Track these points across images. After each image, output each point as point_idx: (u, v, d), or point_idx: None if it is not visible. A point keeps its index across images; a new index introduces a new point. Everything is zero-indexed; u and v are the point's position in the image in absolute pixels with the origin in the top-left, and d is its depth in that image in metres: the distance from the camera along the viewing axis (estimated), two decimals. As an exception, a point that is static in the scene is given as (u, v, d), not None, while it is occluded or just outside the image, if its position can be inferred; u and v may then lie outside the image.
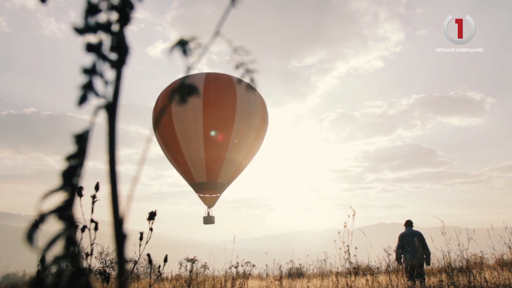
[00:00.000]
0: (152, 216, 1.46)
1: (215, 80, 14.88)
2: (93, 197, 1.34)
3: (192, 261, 11.31)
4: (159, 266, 1.68)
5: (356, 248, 2.73)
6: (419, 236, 7.99)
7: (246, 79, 0.69)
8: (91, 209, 1.31)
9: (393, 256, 7.88)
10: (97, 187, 1.35)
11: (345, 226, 2.47)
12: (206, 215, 15.90)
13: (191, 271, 10.99)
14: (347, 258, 2.77)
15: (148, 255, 1.46)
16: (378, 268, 11.19)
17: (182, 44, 0.57)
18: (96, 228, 1.37)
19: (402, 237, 8.18)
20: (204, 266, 10.91)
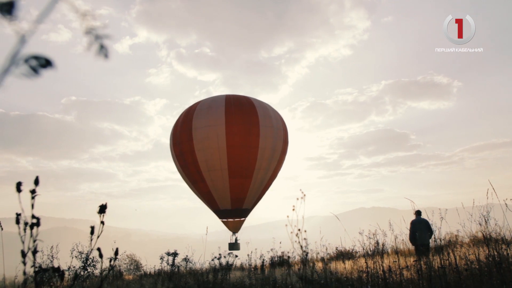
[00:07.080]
0: (103, 209, 1.41)
1: (235, 106, 14.41)
2: (33, 191, 1.27)
3: (174, 254, 11.25)
4: (110, 260, 1.63)
5: (305, 231, 2.73)
6: (425, 223, 10.01)
7: (95, 46, 0.65)
8: (31, 205, 1.24)
9: (379, 239, 9.06)
10: (36, 182, 1.27)
11: (293, 209, 2.48)
12: (233, 241, 15.08)
13: (172, 265, 10.94)
14: (298, 242, 2.77)
15: (99, 249, 1.42)
16: (351, 251, 11.46)
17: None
18: (38, 224, 1.30)
19: (413, 223, 10.21)
20: (185, 259, 10.88)
